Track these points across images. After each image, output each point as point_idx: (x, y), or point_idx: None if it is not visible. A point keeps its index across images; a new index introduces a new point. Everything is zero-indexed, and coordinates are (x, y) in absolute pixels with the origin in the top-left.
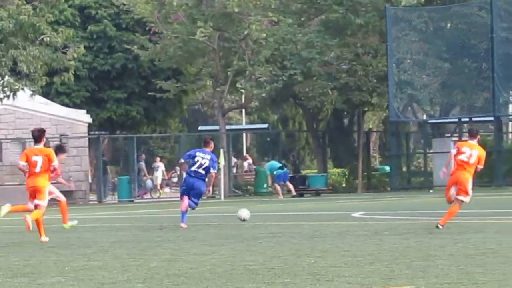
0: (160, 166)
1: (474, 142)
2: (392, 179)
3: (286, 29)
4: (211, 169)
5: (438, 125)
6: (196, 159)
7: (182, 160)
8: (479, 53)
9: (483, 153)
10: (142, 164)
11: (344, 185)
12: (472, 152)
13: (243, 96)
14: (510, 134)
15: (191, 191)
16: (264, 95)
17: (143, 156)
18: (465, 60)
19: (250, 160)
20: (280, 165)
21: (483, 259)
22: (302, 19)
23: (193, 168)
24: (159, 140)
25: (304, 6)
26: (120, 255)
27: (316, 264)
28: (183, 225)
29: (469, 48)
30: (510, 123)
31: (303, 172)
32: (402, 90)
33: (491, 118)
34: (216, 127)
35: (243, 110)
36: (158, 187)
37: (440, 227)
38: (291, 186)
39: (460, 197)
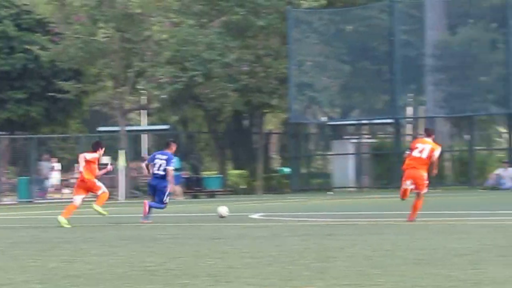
0: (56, 166)
1: (429, 139)
2: (292, 181)
3: (187, 31)
4: (168, 166)
5: (338, 127)
6: (155, 161)
7: (147, 163)
8: (379, 55)
9: (435, 145)
10: (44, 164)
11: (243, 186)
12: (425, 146)
13: (144, 97)
14: (408, 137)
15: (155, 192)
16: (165, 96)
17: (46, 156)
18: (365, 62)
19: None
20: (178, 166)
21: (381, 261)
22: (203, 20)
23: (154, 171)
24: (59, 140)
25: (205, 7)
26: (18, 255)
27: (215, 266)
28: (144, 220)
29: (369, 50)
30: (408, 125)
31: (203, 174)
32: (302, 92)
33: (391, 121)
34: (116, 128)
35: (144, 111)
36: (55, 187)
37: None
38: (177, 189)
39: (421, 192)
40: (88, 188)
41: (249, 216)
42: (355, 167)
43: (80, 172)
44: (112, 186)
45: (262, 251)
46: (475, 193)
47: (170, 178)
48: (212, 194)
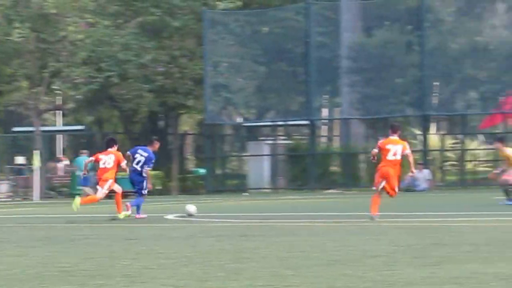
0: None
1: (395, 137)
2: (207, 182)
3: (102, 31)
4: (145, 166)
5: (253, 128)
6: (135, 156)
7: (128, 153)
8: (295, 57)
9: (404, 143)
10: None
11: (158, 187)
12: (397, 148)
13: (59, 97)
14: (323, 138)
15: (134, 186)
16: (80, 96)
17: None
18: (281, 64)
19: (66, 162)
20: (90, 167)
21: (296, 262)
22: (119, 21)
23: (133, 164)
24: None
25: (121, 8)
26: None
27: (130, 266)
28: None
29: (285, 52)
30: (323, 127)
31: (120, 174)
32: (218, 93)
33: (306, 122)
34: (31, 129)
35: (59, 112)
36: None
37: (374, 217)
38: (87, 190)
39: (389, 195)
40: (99, 179)
41: (164, 217)
42: (271, 168)
43: (100, 167)
44: (26, 186)
45: (177, 252)
46: None
47: (147, 178)
48: (125, 195)
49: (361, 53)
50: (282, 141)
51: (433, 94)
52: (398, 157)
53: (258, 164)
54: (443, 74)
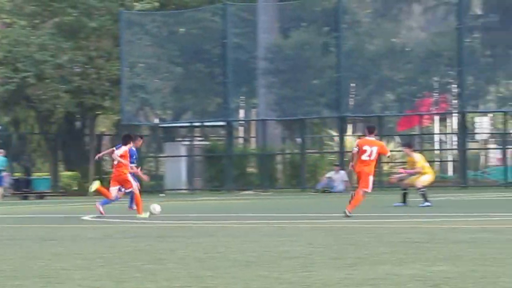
0: None
1: (372, 138)
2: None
3: (19, 31)
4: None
5: (170, 129)
6: None
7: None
8: (212, 58)
9: (381, 144)
10: None
11: (75, 188)
12: (372, 149)
13: None
14: (240, 139)
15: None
16: None
17: None
18: (198, 65)
19: None
20: (3, 167)
21: (213, 263)
22: (36, 21)
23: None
24: None
25: (38, 8)
26: None
27: (47, 267)
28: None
29: (202, 53)
30: (240, 128)
31: (36, 175)
32: (134, 94)
33: (223, 123)
34: None
35: None
36: None
37: (348, 213)
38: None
39: (363, 189)
40: (120, 181)
41: (81, 217)
42: (187, 169)
43: (115, 165)
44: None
45: (94, 253)
46: (307, 196)
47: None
48: (41, 196)
49: (278, 54)
50: (199, 142)
51: (350, 95)
52: (373, 157)
53: (175, 165)
54: (359, 76)
